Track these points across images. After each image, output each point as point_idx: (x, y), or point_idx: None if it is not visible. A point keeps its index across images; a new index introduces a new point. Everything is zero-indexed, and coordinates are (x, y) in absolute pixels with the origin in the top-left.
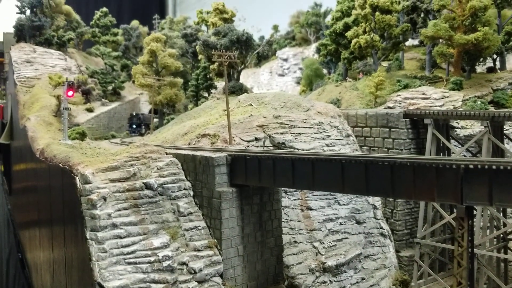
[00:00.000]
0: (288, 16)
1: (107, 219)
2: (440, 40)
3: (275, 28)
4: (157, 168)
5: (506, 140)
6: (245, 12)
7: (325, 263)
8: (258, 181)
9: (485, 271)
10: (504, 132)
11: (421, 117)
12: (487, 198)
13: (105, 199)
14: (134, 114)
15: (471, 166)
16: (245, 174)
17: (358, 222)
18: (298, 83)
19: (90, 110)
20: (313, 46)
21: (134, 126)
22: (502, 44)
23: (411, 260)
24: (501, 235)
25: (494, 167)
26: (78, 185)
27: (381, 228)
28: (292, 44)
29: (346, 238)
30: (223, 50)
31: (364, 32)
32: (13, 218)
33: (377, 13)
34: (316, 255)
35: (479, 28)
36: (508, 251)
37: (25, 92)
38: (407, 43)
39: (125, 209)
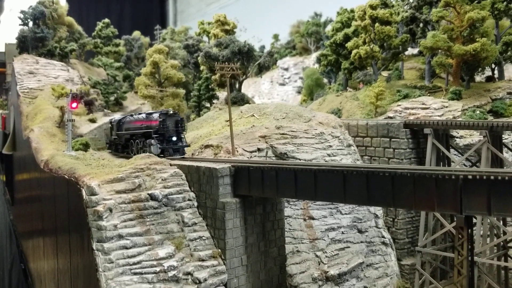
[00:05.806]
0: (289, 26)
1: (113, 230)
2: (439, 51)
3: (276, 37)
4: (162, 179)
5: (505, 149)
6: (246, 23)
7: (327, 272)
8: (261, 191)
9: (486, 279)
10: (503, 141)
11: (421, 127)
12: (486, 208)
13: (111, 210)
14: (124, 119)
15: (470, 177)
16: (248, 184)
17: (360, 231)
18: (299, 92)
19: (92, 120)
20: (314, 55)
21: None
22: (500, 54)
23: (413, 269)
24: (501, 243)
25: (492, 177)
26: (84, 197)
27: (383, 237)
28: (292, 54)
29: (348, 247)
30: (225, 62)
31: (364, 42)
32: (16, 228)
33: (377, 24)
34: (319, 264)
35: (477, 39)
36: (509, 259)
37: (28, 103)
38: (407, 52)
39: (131, 220)
